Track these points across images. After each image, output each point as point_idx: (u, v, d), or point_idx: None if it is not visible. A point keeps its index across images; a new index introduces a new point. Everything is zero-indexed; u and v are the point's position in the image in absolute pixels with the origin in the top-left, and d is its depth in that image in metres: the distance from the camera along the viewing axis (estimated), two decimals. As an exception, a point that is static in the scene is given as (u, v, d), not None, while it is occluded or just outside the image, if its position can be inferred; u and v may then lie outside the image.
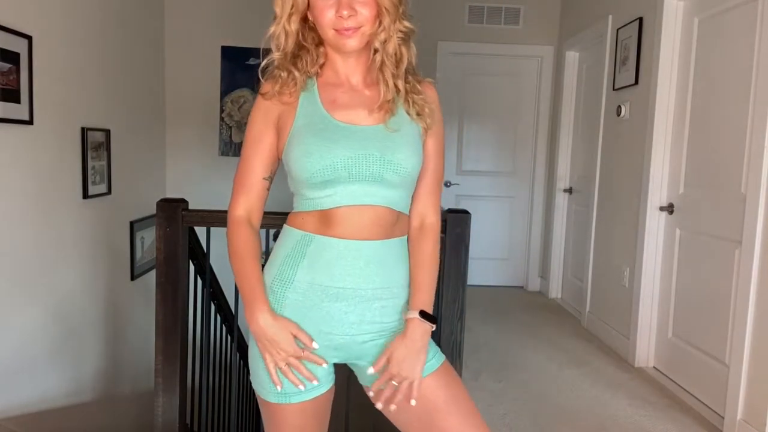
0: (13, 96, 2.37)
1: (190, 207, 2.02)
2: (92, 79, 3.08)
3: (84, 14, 2.97)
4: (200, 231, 2.15)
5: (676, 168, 2.91)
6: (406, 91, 1.21)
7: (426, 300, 1.20)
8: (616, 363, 3.09)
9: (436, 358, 1.23)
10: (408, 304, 1.22)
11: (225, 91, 4.33)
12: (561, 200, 4.45)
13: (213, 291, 2.46)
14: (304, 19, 1.18)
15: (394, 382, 1.17)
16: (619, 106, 3.36)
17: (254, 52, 4.30)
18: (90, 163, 3.02)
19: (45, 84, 2.60)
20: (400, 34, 1.17)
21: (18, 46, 2.39)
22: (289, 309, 1.18)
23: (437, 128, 1.25)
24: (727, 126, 2.51)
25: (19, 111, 2.43)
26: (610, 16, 3.56)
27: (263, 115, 1.22)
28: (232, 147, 4.38)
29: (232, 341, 2.42)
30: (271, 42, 1.19)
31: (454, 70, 4.54)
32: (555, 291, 4.50)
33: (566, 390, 2.73)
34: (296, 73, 1.18)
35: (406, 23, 1.17)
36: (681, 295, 2.83)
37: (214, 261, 2.26)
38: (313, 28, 1.19)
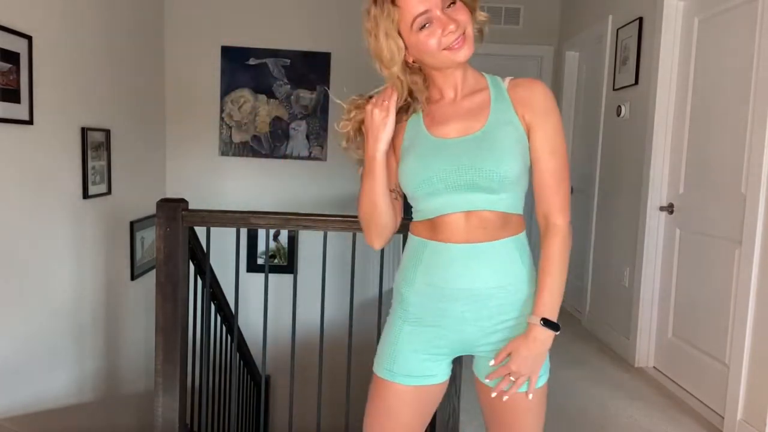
0: (13, 96, 2.37)
1: (190, 207, 2.02)
2: (92, 79, 3.08)
3: (84, 14, 2.97)
4: (200, 231, 2.15)
5: (676, 168, 2.91)
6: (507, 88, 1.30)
7: (548, 304, 1.22)
8: (616, 363, 3.09)
9: (543, 376, 1.30)
10: (532, 304, 1.26)
11: (225, 91, 4.33)
12: (561, 200, 4.45)
13: (213, 291, 2.46)
14: (405, 63, 1.24)
15: (512, 378, 1.24)
16: (619, 106, 3.35)
17: (254, 52, 4.34)
18: (90, 163, 3.01)
19: (45, 84, 2.60)
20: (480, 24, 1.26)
21: (18, 46, 2.39)
22: (413, 307, 1.29)
23: (543, 127, 1.26)
24: (727, 126, 2.51)
25: (19, 111, 2.42)
26: (610, 16, 3.56)
27: None
28: (232, 147, 4.37)
29: (232, 341, 2.43)
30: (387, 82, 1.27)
31: (454, 70, 4.53)
32: (555, 291, 4.49)
33: (566, 390, 2.72)
34: (416, 105, 1.29)
35: (483, 13, 1.27)
36: (681, 295, 2.83)
37: (214, 261, 2.26)
38: (414, 69, 1.26)
